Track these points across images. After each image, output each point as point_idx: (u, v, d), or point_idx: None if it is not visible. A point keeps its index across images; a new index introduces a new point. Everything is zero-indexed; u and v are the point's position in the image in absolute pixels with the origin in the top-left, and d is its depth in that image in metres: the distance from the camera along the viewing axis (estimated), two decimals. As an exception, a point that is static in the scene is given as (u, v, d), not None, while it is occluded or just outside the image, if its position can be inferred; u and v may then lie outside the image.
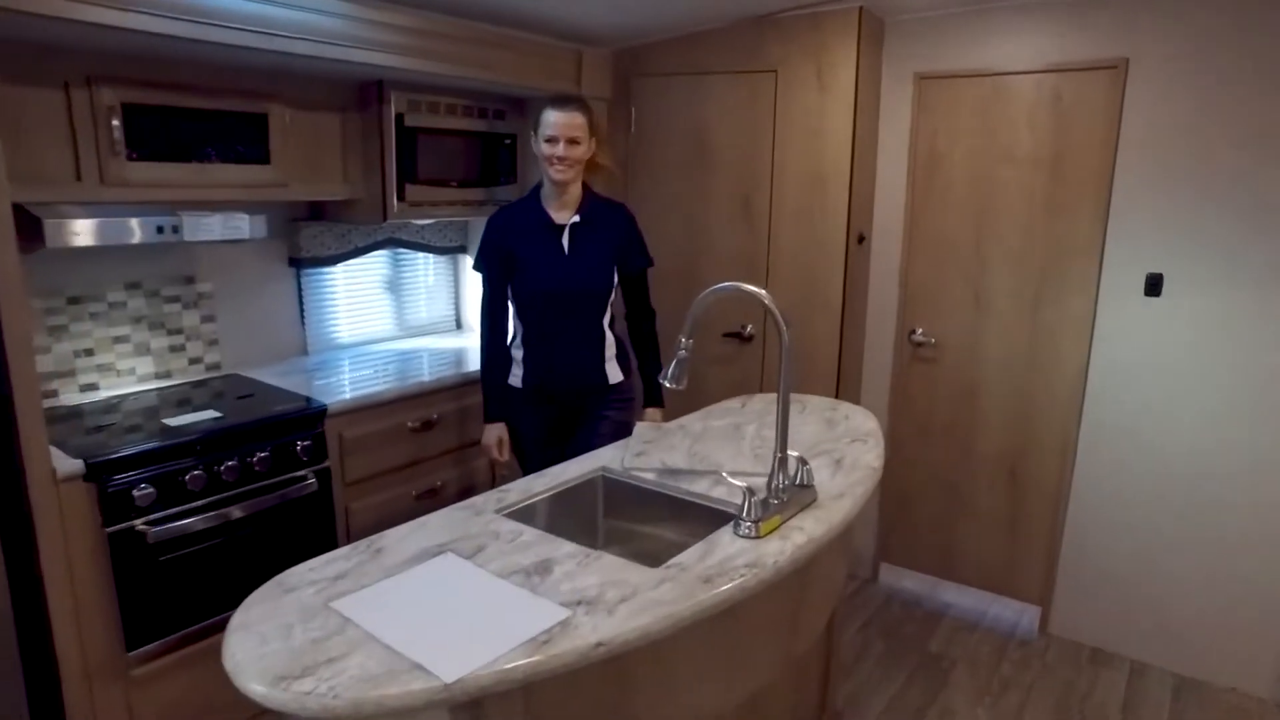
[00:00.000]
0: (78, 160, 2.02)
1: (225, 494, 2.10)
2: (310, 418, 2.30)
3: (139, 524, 1.94)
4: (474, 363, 2.88)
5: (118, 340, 2.48)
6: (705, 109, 3.04)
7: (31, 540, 1.83)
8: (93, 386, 2.44)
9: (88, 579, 1.91)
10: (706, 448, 1.95)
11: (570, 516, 1.78)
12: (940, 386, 3.03)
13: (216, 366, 2.73)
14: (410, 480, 2.64)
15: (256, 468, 2.16)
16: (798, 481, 1.62)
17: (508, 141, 3.01)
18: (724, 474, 1.54)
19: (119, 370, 2.50)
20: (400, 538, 1.48)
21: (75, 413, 2.27)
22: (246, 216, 2.27)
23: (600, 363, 2.33)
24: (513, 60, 2.74)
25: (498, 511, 1.60)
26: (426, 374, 2.78)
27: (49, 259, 2.21)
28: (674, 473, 1.80)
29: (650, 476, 1.79)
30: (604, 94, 3.11)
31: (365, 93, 2.63)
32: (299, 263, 2.86)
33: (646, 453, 1.92)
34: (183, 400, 2.42)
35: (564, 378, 2.33)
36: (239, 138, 2.30)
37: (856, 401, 3.18)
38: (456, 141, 2.84)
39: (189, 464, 2.03)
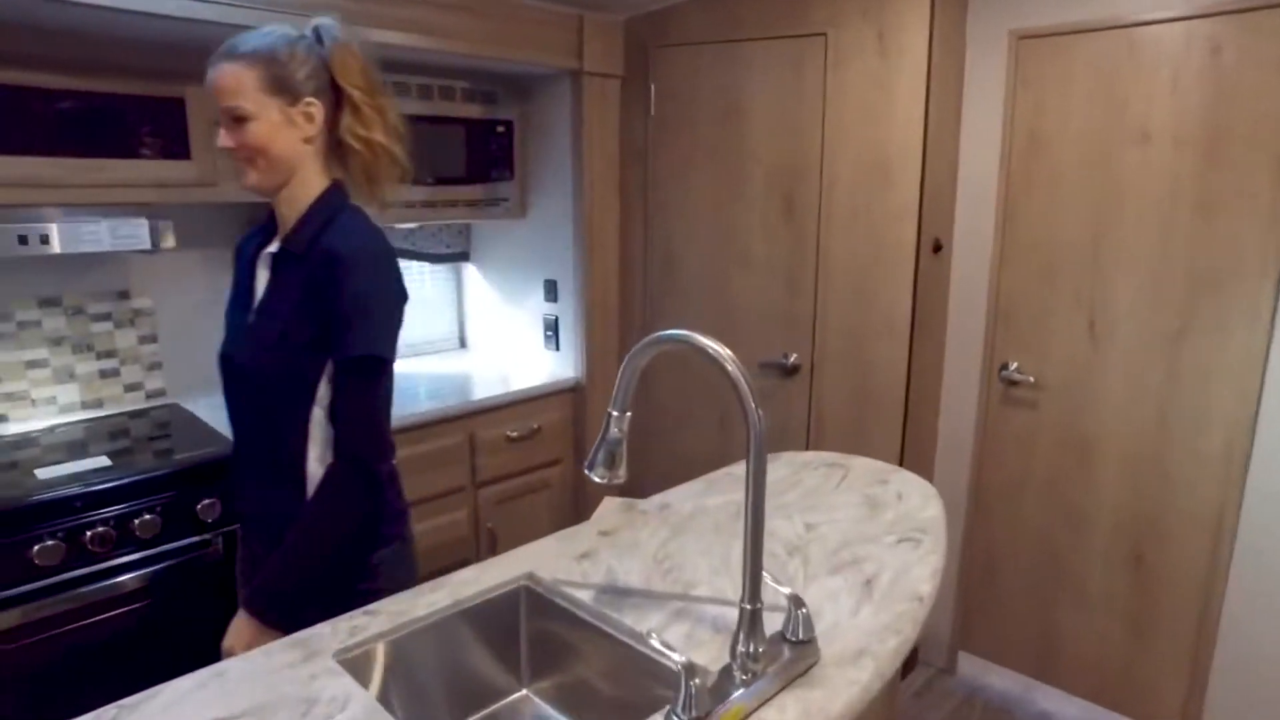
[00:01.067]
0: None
1: (92, 568, 1.69)
2: (217, 467, 1.87)
3: (-38, 611, 1.54)
4: (479, 389, 2.52)
5: (32, 365, 2.13)
6: (739, 84, 2.45)
7: None
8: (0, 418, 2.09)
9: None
10: (684, 548, 1.39)
11: (483, 635, 1.26)
12: (1041, 437, 2.34)
13: (160, 394, 2.35)
14: (360, 540, 2.18)
15: (139, 534, 1.74)
16: (788, 633, 1.04)
17: (500, 129, 2.52)
18: (650, 636, 0.97)
19: (34, 399, 2.15)
20: (167, 704, 0.99)
21: (-27, 450, 1.93)
22: (145, 222, 1.86)
23: (292, 501, 1.26)
24: (494, 30, 2.24)
25: (339, 655, 1.10)
26: (424, 402, 2.36)
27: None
28: (622, 593, 1.25)
29: (586, 598, 1.24)
30: (615, 70, 2.57)
31: (316, 72, 2.18)
32: (259, 274, 2.45)
33: (595, 554, 1.38)
34: (117, 432, 2.06)
35: (247, 516, 1.40)
36: (147, 128, 1.89)
37: (930, 454, 2.53)
38: (431, 130, 2.36)
39: (42, 531, 1.62)
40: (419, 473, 2.23)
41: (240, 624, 1.24)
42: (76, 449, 1.94)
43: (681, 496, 1.63)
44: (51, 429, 2.11)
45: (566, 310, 2.68)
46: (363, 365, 1.23)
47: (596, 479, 1.07)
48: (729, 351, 0.94)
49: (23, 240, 1.68)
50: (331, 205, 1.26)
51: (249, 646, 1.17)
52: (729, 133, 2.50)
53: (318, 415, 1.24)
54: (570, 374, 2.68)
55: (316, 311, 1.20)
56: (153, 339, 2.33)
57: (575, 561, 1.35)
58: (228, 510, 1.85)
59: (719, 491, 1.65)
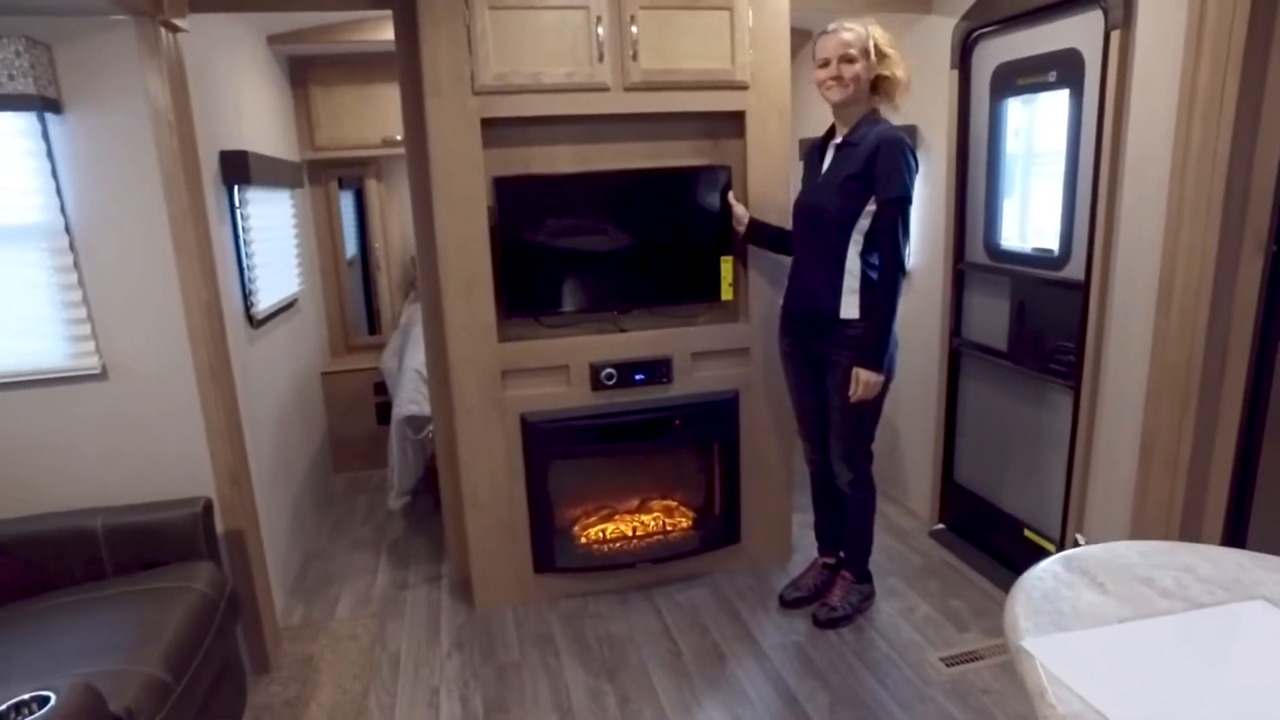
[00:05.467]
0: None
1: None
2: None
3: None
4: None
5: None
6: None
7: None
8: None
9: None
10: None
11: None
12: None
13: None
14: None
15: None
16: None
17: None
18: None
19: None
20: None
21: None
22: None
23: (834, 292, 2.27)
24: None
25: None
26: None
27: None
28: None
29: None
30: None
31: None
32: None
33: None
34: None
35: (800, 300, 2.39)
36: None
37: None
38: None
39: None
40: None
41: (861, 375, 2.23)
42: None
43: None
44: None
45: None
46: (891, 205, 2.17)
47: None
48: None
49: None
50: (872, 118, 2.25)
51: (869, 386, 2.23)
52: None
53: (856, 235, 2.24)
54: None
55: (863, 172, 2.19)
56: None
57: None
58: None
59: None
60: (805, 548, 2.95)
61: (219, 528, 2.18)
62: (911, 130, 3.07)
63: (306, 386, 3.54)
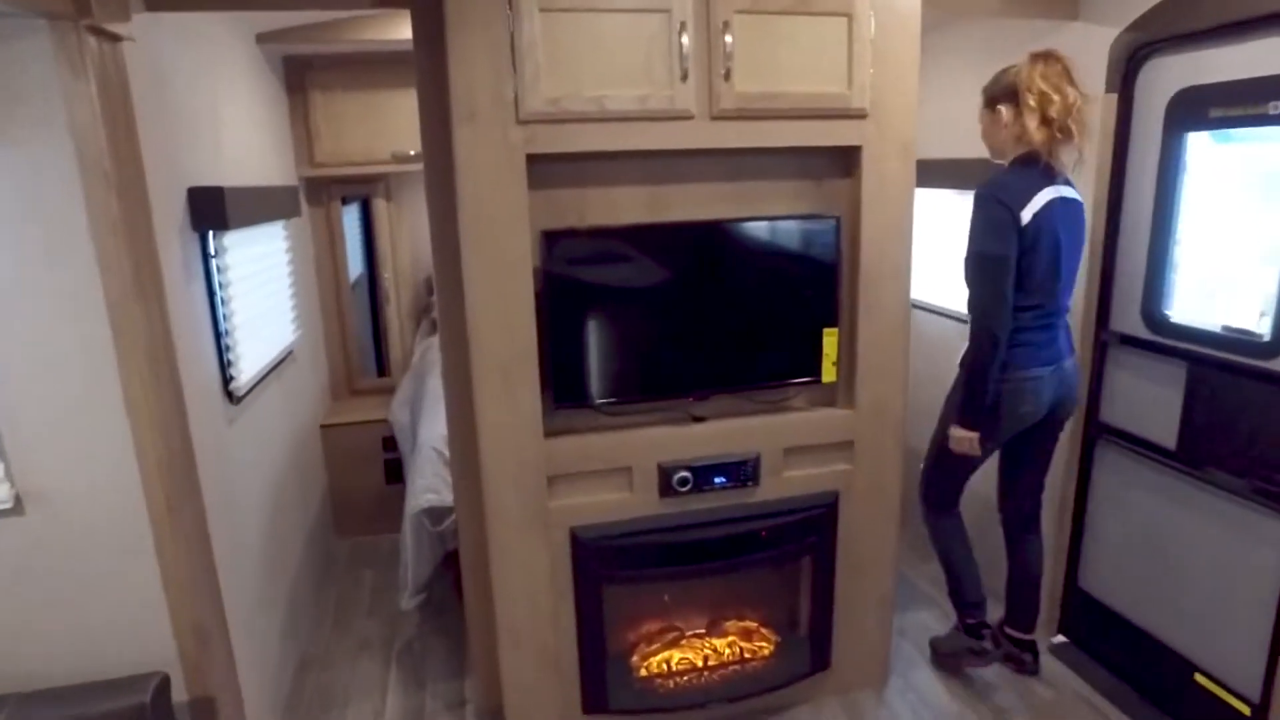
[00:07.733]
0: None
1: None
2: None
3: None
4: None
5: None
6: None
7: None
8: None
9: None
10: None
11: None
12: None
13: None
14: None
15: None
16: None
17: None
18: None
19: None
20: None
21: None
22: None
23: None
24: None
25: None
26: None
27: None
28: None
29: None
30: None
31: None
32: None
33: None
34: None
35: None
36: None
37: None
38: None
39: None
40: None
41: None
42: None
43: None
44: None
45: None
46: (969, 258, 2.04)
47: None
48: None
49: None
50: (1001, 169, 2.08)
51: (955, 439, 2.14)
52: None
53: None
54: None
55: None
56: None
57: None
58: None
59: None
60: (902, 668, 2.42)
61: (183, 695, 1.65)
62: (1044, 162, 2.50)
63: (304, 446, 3.00)
